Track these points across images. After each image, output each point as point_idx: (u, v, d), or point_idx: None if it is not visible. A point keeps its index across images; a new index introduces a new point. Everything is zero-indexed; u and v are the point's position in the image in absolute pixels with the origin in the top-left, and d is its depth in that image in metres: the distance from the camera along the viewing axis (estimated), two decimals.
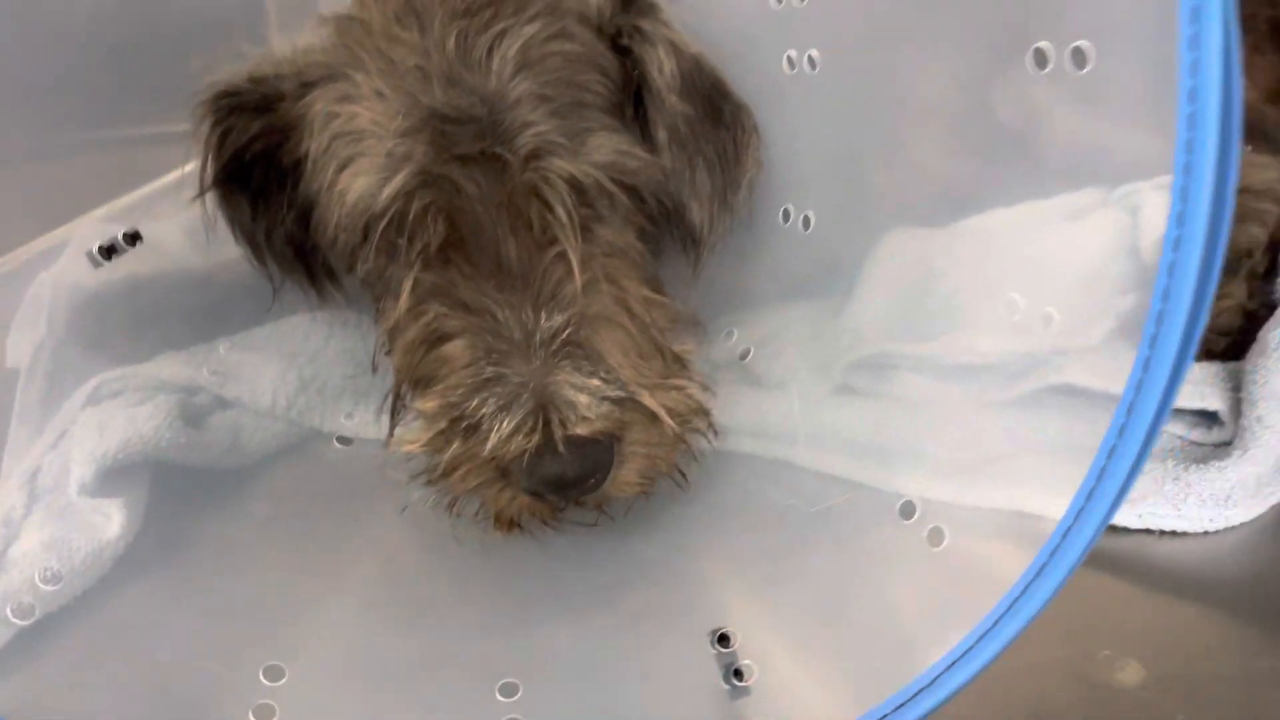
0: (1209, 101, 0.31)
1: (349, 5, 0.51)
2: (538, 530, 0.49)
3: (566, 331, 0.46)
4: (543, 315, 0.46)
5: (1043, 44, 0.40)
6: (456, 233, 0.46)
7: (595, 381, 0.45)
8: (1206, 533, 0.52)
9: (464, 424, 0.45)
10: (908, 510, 0.46)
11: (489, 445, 0.44)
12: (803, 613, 0.44)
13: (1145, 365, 0.36)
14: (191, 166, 0.54)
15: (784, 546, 0.48)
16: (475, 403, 0.45)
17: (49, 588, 0.46)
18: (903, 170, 0.56)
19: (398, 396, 0.50)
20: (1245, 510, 0.52)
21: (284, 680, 0.44)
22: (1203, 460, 0.54)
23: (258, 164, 0.53)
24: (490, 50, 0.47)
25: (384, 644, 0.46)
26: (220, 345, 0.62)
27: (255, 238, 0.55)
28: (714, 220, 0.53)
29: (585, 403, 0.44)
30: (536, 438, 0.44)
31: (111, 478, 0.52)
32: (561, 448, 0.44)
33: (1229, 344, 0.62)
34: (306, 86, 0.50)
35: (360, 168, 0.47)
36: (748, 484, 0.53)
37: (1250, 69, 0.80)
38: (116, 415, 0.55)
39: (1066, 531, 0.38)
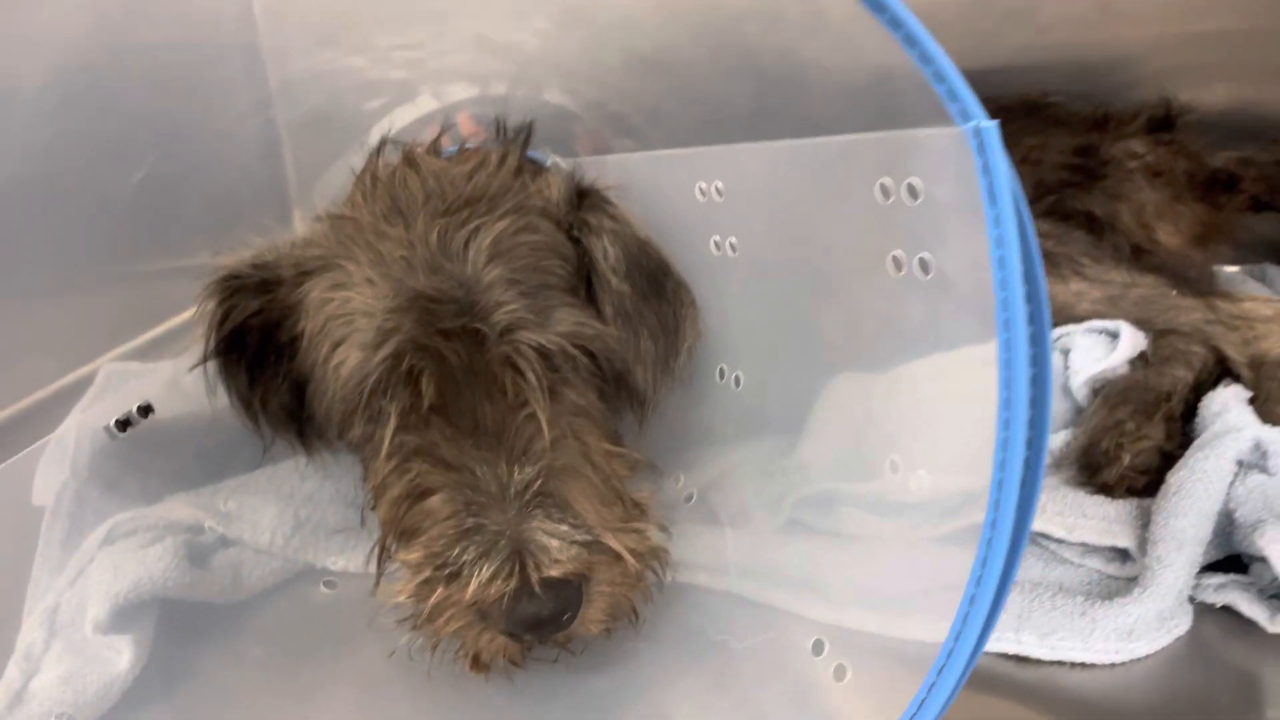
0: (1015, 299, 0.38)
1: (342, 205, 0.59)
2: (507, 669, 0.54)
3: (538, 483, 0.52)
4: (516, 469, 0.52)
5: (897, 253, 0.47)
6: (439, 396, 0.53)
7: (564, 527, 0.51)
8: (1114, 664, 0.57)
9: (446, 571, 0.51)
10: (818, 647, 0.51)
11: (470, 590, 0.49)
12: None
13: (992, 525, 0.41)
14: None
15: (720, 679, 0.53)
16: (456, 551, 0.50)
17: None
18: (810, 333, 0.62)
19: (383, 548, 0.56)
20: (1149, 643, 0.57)
21: None
22: (1110, 596, 0.60)
23: (256, 338, 0.60)
24: (467, 243, 0.54)
25: None
26: (225, 486, 0.69)
27: (250, 403, 0.62)
28: (656, 382, 0.61)
29: (557, 546, 0.50)
30: (514, 581, 0.49)
31: (123, 615, 0.58)
32: (537, 589, 0.49)
33: (1148, 482, 0.67)
34: (304, 275, 0.57)
35: (354, 342, 0.54)
36: (696, 618, 0.59)
37: (1173, 217, 0.87)
38: (129, 556, 0.61)
39: (942, 668, 0.43)
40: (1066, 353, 0.78)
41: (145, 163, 0.68)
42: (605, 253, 0.58)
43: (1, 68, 0.56)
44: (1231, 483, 0.61)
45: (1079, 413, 0.76)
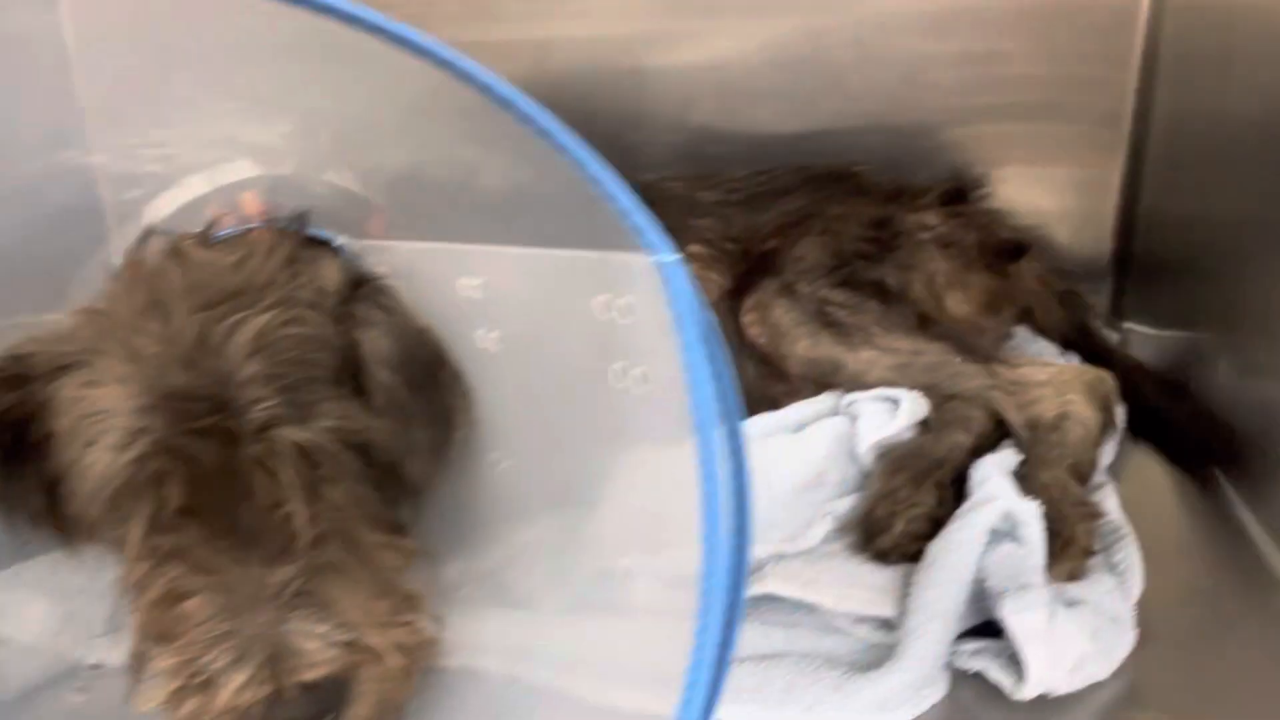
0: (708, 416, 0.40)
1: (98, 298, 0.58)
2: None
3: (296, 583, 0.51)
4: (273, 572, 0.52)
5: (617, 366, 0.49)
6: (190, 498, 0.52)
7: (323, 627, 0.51)
8: None
9: (199, 679, 0.50)
10: None
11: (220, 699, 0.49)
12: None
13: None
14: None
15: None
16: (210, 657, 0.50)
17: None
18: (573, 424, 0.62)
19: (139, 654, 0.55)
20: (903, 713, 0.60)
21: None
22: (869, 667, 0.62)
23: (8, 435, 0.58)
24: (227, 337, 0.54)
25: None
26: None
27: (4, 499, 0.60)
28: (430, 472, 0.61)
29: (314, 649, 0.50)
30: (267, 687, 0.49)
31: None
32: (292, 694, 0.49)
33: (918, 550, 0.70)
34: (58, 370, 0.56)
35: (104, 443, 0.53)
36: (474, 702, 0.59)
37: (963, 286, 0.92)
38: None
39: None
40: (855, 419, 0.82)
41: None
42: (374, 345, 0.59)
43: None
44: (984, 552, 0.65)
45: (866, 477, 0.80)
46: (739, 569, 0.44)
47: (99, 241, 0.61)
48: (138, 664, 0.54)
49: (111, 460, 0.52)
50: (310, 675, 0.50)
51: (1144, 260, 1.07)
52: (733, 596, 0.44)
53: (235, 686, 0.48)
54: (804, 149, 1.10)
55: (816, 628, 0.67)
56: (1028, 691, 0.60)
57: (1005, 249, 0.95)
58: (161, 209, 0.62)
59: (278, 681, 0.49)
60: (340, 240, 0.67)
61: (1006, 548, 0.65)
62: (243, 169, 0.64)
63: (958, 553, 0.64)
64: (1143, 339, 1.05)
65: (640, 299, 0.45)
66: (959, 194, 0.96)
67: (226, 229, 0.65)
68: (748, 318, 0.89)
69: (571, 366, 0.54)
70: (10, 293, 0.59)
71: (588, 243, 0.46)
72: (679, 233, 0.90)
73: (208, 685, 0.50)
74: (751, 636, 0.66)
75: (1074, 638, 0.61)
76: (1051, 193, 1.09)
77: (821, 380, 0.86)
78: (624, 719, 0.54)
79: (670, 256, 0.41)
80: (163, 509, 0.52)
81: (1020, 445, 0.81)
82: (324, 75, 0.55)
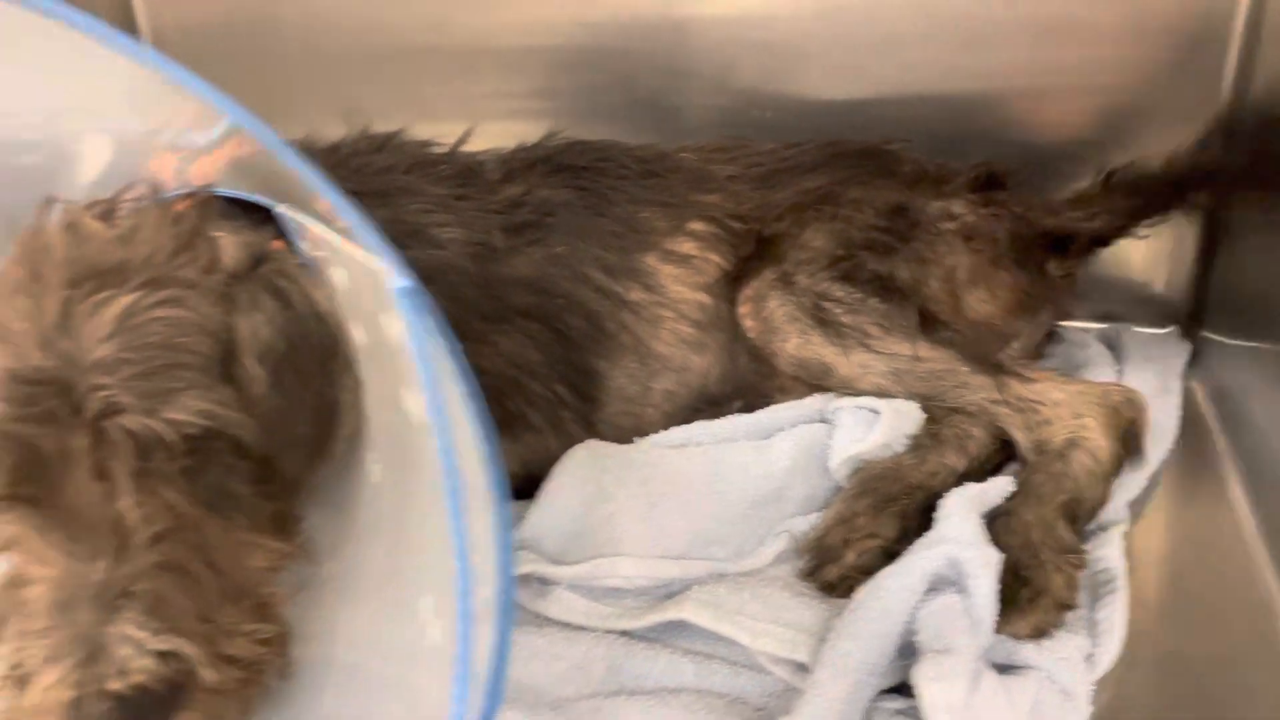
0: (449, 449, 0.35)
1: None
2: None
3: (129, 584, 0.49)
4: (106, 567, 0.50)
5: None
6: (27, 486, 0.51)
7: (143, 634, 0.48)
8: None
9: (18, 672, 0.49)
10: None
11: (29, 696, 0.48)
12: None
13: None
14: None
15: None
16: (29, 652, 0.49)
17: None
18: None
19: None
20: None
21: None
22: (777, 713, 0.57)
23: None
24: (86, 317, 0.52)
25: None
26: None
27: None
28: (305, 469, 0.58)
29: (128, 655, 0.48)
30: (73, 690, 0.47)
31: None
32: (99, 702, 0.47)
33: None
34: None
35: None
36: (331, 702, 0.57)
37: (989, 284, 0.82)
38: None
39: None
40: (833, 429, 0.75)
41: None
42: (250, 333, 0.56)
43: None
44: (920, 603, 0.58)
45: (838, 494, 0.73)
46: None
47: None
48: None
49: None
50: (117, 684, 0.47)
51: (1228, 265, 0.94)
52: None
53: (43, 685, 0.47)
54: (852, 118, 1.01)
55: (733, 662, 0.61)
56: None
57: (1046, 241, 0.84)
58: (91, 170, 0.60)
59: (82, 687, 0.47)
60: (280, 209, 0.64)
61: (947, 599, 0.58)
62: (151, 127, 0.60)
63: (885, 600, 0.58)
64: (1221, 350, 0.93)
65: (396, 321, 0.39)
66: (995, 179, 0.86)
67: (166, 193, 0.62)
68: (743, 308, 0.82)
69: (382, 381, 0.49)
70: None
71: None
72: (681, 208, 0.86)
73: (23, 681, 0.48)
74: (657, 667, 0.61)
75: (1000, 714, 0.53)
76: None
77: (812, 382, 0.79)
78: None
79: (401, 281, 0.36)
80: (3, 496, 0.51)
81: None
82: None
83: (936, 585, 0.59)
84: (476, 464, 0.37)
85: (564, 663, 0.61)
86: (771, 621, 0.61)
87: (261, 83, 1.05)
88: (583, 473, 0.70)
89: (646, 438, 0.75)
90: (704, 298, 0.84)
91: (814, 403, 0.77)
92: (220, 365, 0.55)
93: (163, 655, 0.48)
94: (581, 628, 0.64)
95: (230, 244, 0.59)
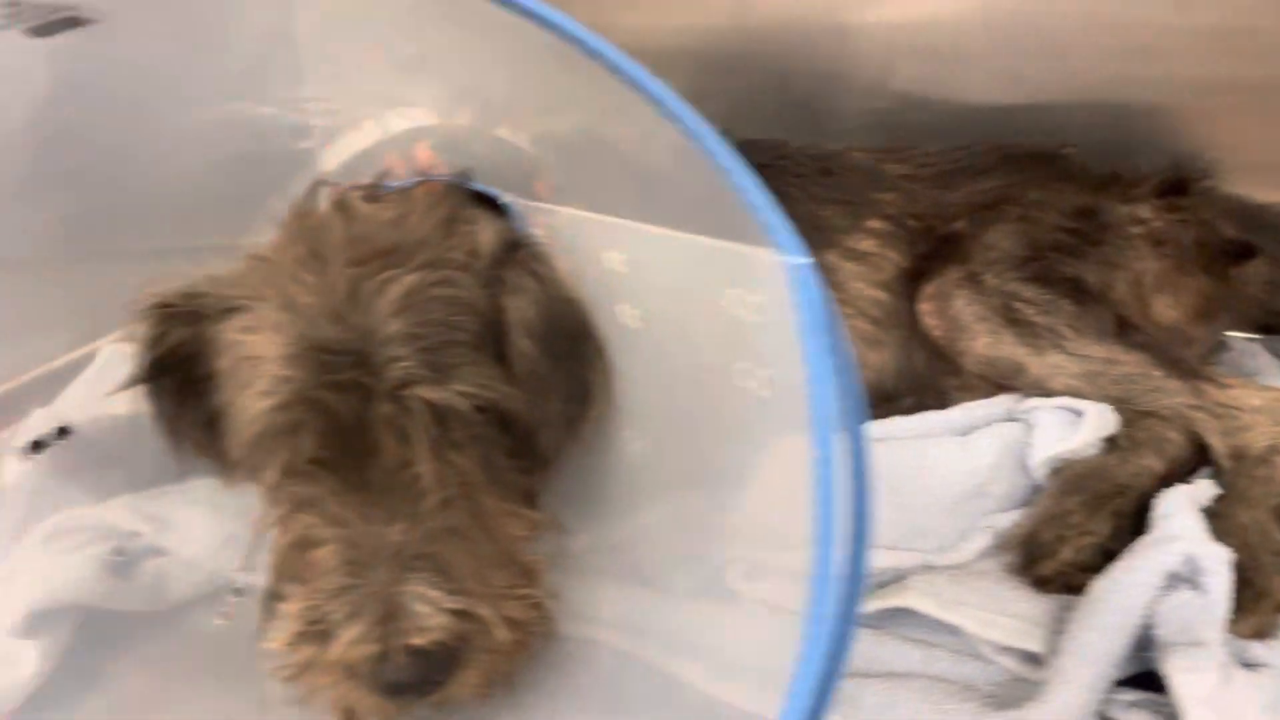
0: (826, 429, 0.37)
1: (265, 246, 0.60)
2: None
3: (418, 546, 0.52)
4: (397, 530, 0.52)
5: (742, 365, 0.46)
6: (323, 450, 0.54)
7: (437, 593, 0.51)
8: None
9: (318, 628, 0.51)
10: None
11: (334, 650, 0.50)
12: None
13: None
14: None
15: None
16: (330, 608, 0.51)
17: None
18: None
19: (271, 594, 0.57)
20: None
21: None
22: (1015, 701, 0.58)
23: (183, 367, 0.61)
24: (375, 294, 0.55)
25: None
26: (169, 491, 0.71)
27: (172, 427, 0.64)
28: (559, 446, 0.60)
29: (426, 613, 0.50)
30: (377, 646, 0.50)
31: (38, 621, 0.60)
32: (401, 656, 0.50)
33: (1082, 583, 0.64)
34: (224, 313, 0.58)
35: (254, 389, 0.55)
36: (585, 678, 0.59)
37: (1174, 289, 0.83)
38: (55, 561, 0.63)
39: None
40: (1031, 428, 0.75)
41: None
42: (520, 313, 0.58)
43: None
44: (1156, 598, 0.59)
45: (1036, 492, 0.74)
46: (854, 584, 0.41)
47: (272, 189, 0.62)
48: (269, 603, 0.57)
49: (256, 406, 0.54)
50: (418, 640, 0.50)
51: None
52: (845, 608, 0.41)
53: (347, 640, 0.49)
54: (1013, 124, 1.01)
55: (956, 651, 0.62)
56: None
57: (1229, 249, 0.84)
58: (338, 155, 0.63)
59: (388, 642, 0.49)
60: (506, 198, 0.67)
61: (1184, 595, 0.58)
62: (417, 117, 0.64)
63: (1126, 594, 0.58)
64: None
65: (772, 298, 0.41)
66: (1179, 185, 0.86)
67: (397, 180, 0.66)
68: (925, 306, 0.83)
69: (699, 357, 0.51)
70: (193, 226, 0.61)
71: (730, 233, 0.43)
72: (859, 206, 0.88)
73: (324, 636, 0.51)
74: (886, 651, 0.62)
75: (1249, 706, 0.54)
76: None
77: (1000, 382, 0.80)
78: (725, 714, 0.52)
79: (802, 259, 0.37)
80: (297, 458, 0.54)
81: (1219, 477, 0.72)
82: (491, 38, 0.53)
83: (1170, 581, 0.59)
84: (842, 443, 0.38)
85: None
86: (997, 612, 0.62)
87: None
88: (791, 462, 0.71)
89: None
90: (882, 295, 0.85)
91: (1004, 402, 0.78)
92: (490, 344, 0.58)
93: (456, 614, 0.51)
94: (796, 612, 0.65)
95: (488, 229, 0.61)
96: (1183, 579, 0.60)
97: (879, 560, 0.67)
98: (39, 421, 0.74)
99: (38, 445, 0.69)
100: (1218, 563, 0.59)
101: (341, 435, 0.53)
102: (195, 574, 0.67)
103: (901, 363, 0.85)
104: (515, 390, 0.57)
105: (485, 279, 0.59)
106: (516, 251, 0.60)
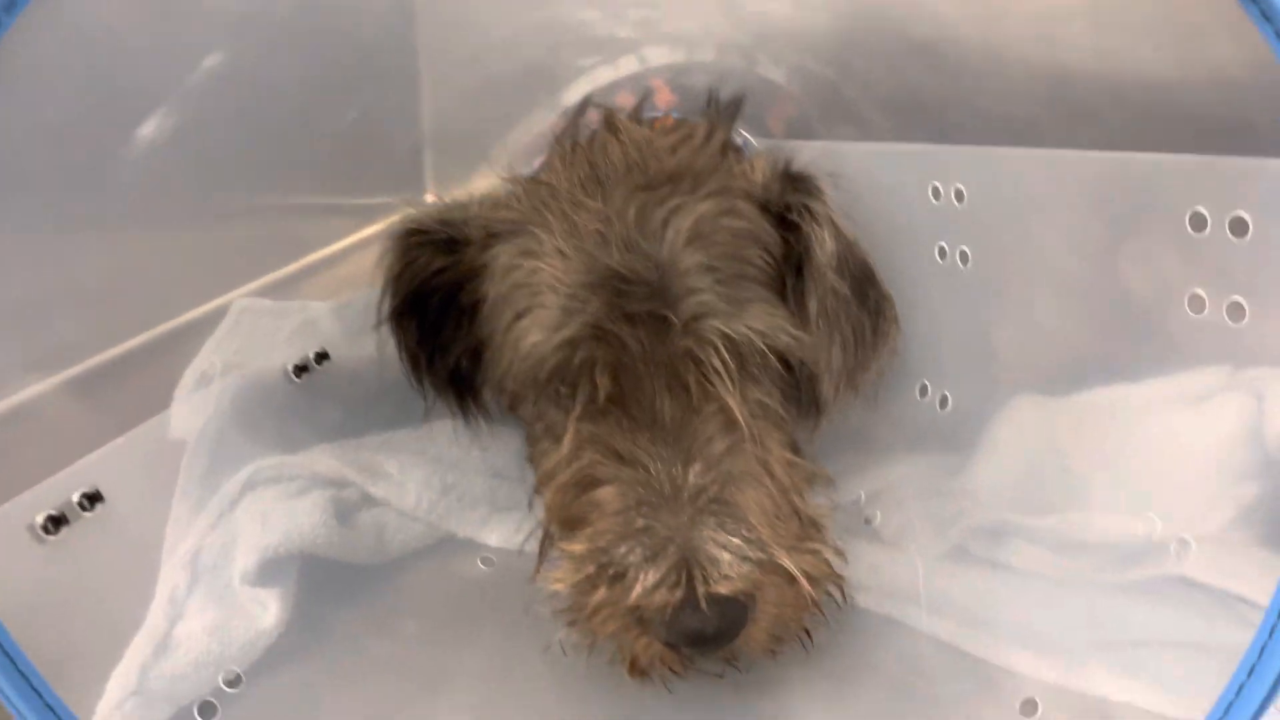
0: None
1: (538, 168, 0.56)
2: (666, 677, 0.51)
3: (713, 488, 0.49)
4: (691, 471, 0.49)
5: (1198, 291, 0.42)
6: (615, 387, 0.50)
7: (737, 540, 0.47)
8: None
9: (610, 570, 0.48)
10: (1029, 708, 0.47)
11: (633, 595, 0.46)
12: None
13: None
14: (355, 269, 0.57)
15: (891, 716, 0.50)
16: (622, 550, 0.48)
17: (232, 690, 0.50)
18: (1030, 338, 0.58)
19: (547, 534, 0.53)
20: None
21: None
22: None
23: (437, 298, 0.57)
24: (665, 222, 0.51)
25: None
26: (368, 442, 0.67)
27: (419, 360, 0.60)
28: (839, 395, 0.57)
29: (728, 560, 0.47)
30: (680, 592, 0.46)
31: (271, 568, 0.56)
32: (703, 604, 0.46)
33: None
34: (493, 238, 0.54)
35: (536, 318, 0.51)
36: (867, 649, 0.55)
37: None
38: (277, 507, 0.59)
39: None
40: (1261, 397, 0.72)
41: (292, 94, 0.65)
42: (824, 244, 0.54)
43: None
44: None
45: (1271, 464, 0.71)
46: None
47: (522, 112, 0.58)
48: (545, 544, 0.53)
49: (544, 339, 0.50)
50: (723, 588, 0.46)
51: None
52: None
53: (648, 584, 0.46)
54: None
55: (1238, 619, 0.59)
56: None
57: None
58: (593, 82, 0.60)
59: (690, 588, 0.46)
60: (745, 137, 0.63)
61: None
62: (665, 53, 0.60)
63: None
64: None
65: (1272, 214, 0.37)
66: None
67: (656, 110, 0.62)
68: None
69: (1075, 242, 0.47)
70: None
71: (1179, 147, 0.39)
72: None
73: (618, 579, 0.47)
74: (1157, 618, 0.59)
75: None
76: None
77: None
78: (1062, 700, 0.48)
79: None
80: (595, 394, 0.50)
81: None
82: None
83: None
84: None
85: (1056, 610, 0.59)
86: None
87: None
88: (1027, 425, 0.68)
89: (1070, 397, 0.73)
90: None
91: (1227, 370, 0.75)
92: (777, 281, 0.54)
93: (756, 563, 0.47)
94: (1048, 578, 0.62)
95: (760, 162, 0.57)
96: None
97: (1135, 528, 0.64)
98: (189, 378, 0.69)
99: (300, 370, 0.64)
100: None
101: (633, 371, 0.49)
102: (415, 526, 0.63)
103: None
104: (804, 333, 0.53)
105: (774, 210, 0.55)
106: (800, 183, 0.56)
